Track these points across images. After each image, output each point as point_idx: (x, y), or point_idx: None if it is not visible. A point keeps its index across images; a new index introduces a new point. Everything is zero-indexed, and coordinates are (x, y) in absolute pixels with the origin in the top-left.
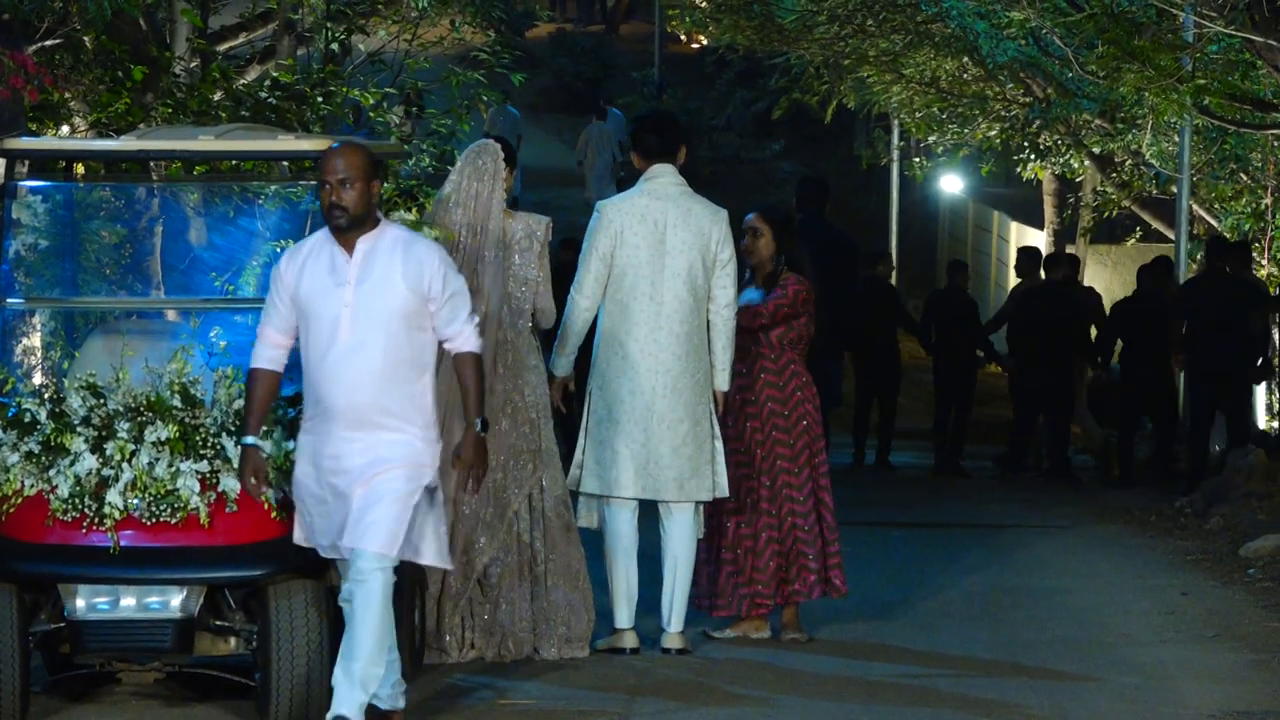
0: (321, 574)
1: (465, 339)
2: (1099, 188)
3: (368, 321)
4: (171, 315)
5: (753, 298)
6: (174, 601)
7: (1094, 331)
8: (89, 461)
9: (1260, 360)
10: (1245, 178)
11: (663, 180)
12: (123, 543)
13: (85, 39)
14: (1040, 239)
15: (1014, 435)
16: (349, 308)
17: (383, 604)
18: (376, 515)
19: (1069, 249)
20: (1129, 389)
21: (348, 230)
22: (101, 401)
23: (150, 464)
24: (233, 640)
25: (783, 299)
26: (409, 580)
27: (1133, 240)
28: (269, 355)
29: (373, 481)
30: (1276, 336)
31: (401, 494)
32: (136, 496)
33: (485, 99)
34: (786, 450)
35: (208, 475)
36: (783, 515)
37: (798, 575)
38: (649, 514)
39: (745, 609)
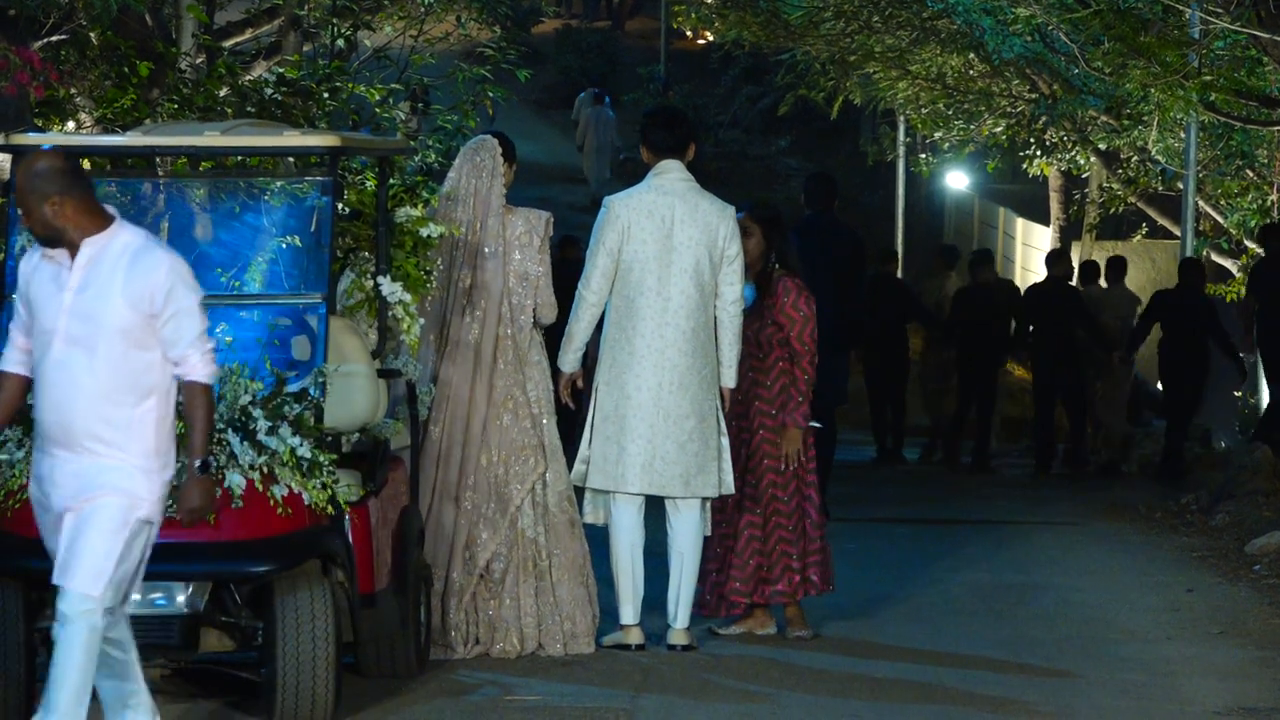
0: (327, 570)
1: (192, 366)
2: (1105, 184)
3: (82, 334)
4: None
5: (745, 295)
6: (179, 597)
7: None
8: None
9: None
10: (1251, 174)
11: (671, 176)
12: None
13: (91, 35)
14: (1046, 235)
15: (1038, 434)
16: (65, 316)
17: (85, 652)
18: (81, 549)
19: (1075, 246)
20: (1167, 381)
21: (51, 244)
22: None
23: None
24: (238, 637)
25: (807, 319)
26: (415, 577)
27: (1139, 237)
28: (14, 358)
29: (82, 509)
30: None
31: (110, 527)
32: None
33: (491, 95)
34: (773, 449)
35: (213, 471)
36: (767, 515)
37: (781, 575)
38: (655, 510)
39: (724, 609)
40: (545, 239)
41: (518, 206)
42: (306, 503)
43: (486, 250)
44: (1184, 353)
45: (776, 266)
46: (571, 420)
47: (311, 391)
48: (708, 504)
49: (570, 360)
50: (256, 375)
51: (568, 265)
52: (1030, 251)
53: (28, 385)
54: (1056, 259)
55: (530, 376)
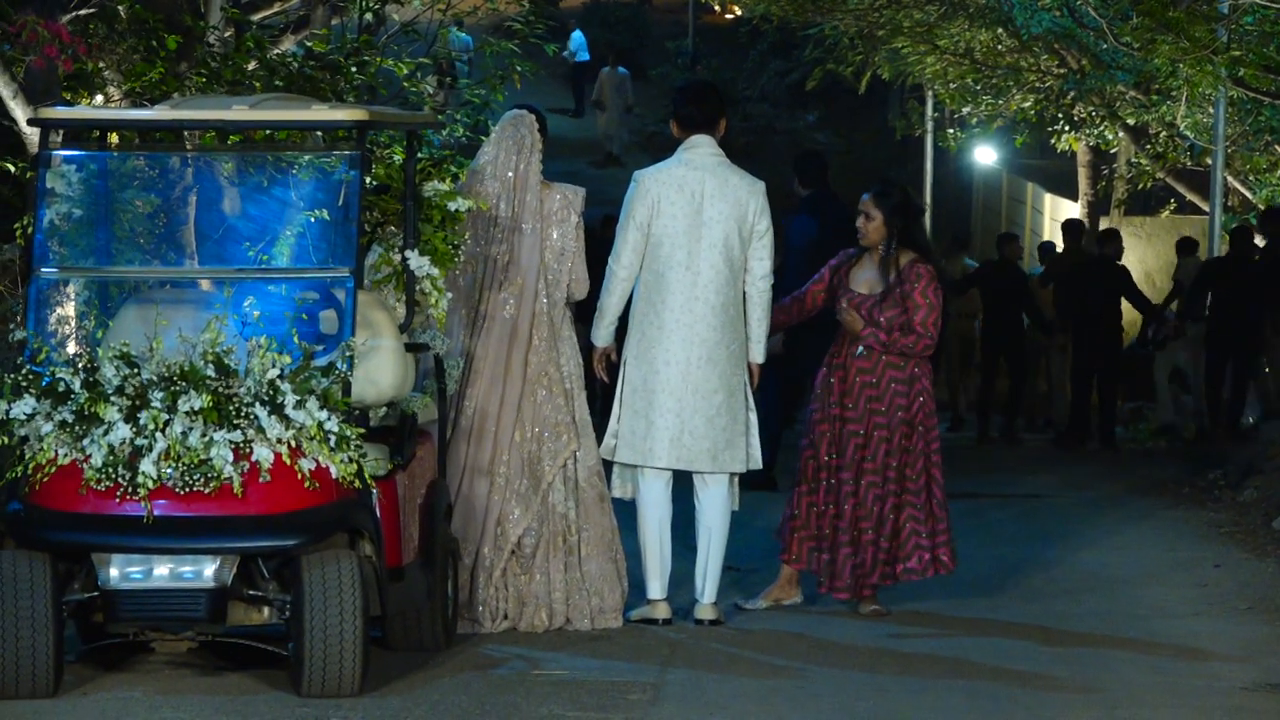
0: (355, 544)
1: None
2: (1133, 159)
3: None
4: (205, 285)
5: (868, 276)
6: (207, 571)
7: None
8: (122, 431)
9: None
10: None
11: (701, 150)
12: (156, 512)
13: (119, 8)
14: (1074, 210)
15: (1073, 410)
16: None
17: None
18: None
19: (1104, 221)
20: (1216, 348)
21: None
22: (135, 371)
23: (184, 433)
24: (266, 610)
25: (933, 307)
26: (442, 551)
27: (1167, 212)
28: None
29: None
30: None
31: None
32: (170, 466)
33: (519, 69)
34: (907, 431)
35: (241, 445)
36: (900, 493)
37: (913, 552)
38: (684, 484)
39: (861, 589)
40: (580, 214)
41: (553, 182)
42: (334, 476)
43: (525, 227)
44: (1235, 321)
45: (896, 250)
46: (601, 394)
47: (339, 365)
48: (735, 479)
49: (603, 335)
50: (284, 349)
51: (607, 243)
52: (1058, 227)
53: None
54: (1107, 238)
55: (563, 352)
